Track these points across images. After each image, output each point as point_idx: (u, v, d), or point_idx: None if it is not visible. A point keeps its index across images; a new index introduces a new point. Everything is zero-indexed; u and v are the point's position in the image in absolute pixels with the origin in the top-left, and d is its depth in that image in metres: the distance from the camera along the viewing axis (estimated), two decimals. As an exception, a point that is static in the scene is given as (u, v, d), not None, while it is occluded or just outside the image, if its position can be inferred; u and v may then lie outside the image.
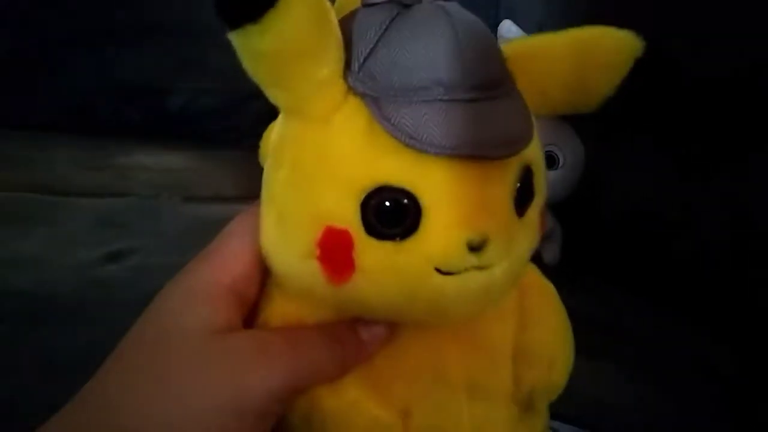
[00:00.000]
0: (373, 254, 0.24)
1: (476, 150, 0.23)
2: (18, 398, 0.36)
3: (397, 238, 0.23)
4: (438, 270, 0.24)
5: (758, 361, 0.49)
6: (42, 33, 1.16)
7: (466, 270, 0.24)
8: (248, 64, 0.23)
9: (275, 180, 0.26)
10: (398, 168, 0.23)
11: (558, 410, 0.39)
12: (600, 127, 0.66)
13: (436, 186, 0.23)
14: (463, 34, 0.23)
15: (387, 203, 0.23)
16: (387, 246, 0.24)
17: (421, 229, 0.23)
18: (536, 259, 0.66)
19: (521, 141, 0.24)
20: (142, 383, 0.25)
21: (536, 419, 0.31)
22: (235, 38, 0.22)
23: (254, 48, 0.22)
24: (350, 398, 0.27)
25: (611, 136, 0.67)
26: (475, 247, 0.23)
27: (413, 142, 0.22)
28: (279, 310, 0.27)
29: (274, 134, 0.26)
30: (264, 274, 0.28)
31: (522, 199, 0.25)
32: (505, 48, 0.26)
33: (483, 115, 0.23)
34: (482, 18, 0.25)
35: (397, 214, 0.23)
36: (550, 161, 0.64)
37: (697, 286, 0.57)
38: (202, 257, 0.28)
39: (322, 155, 0.24)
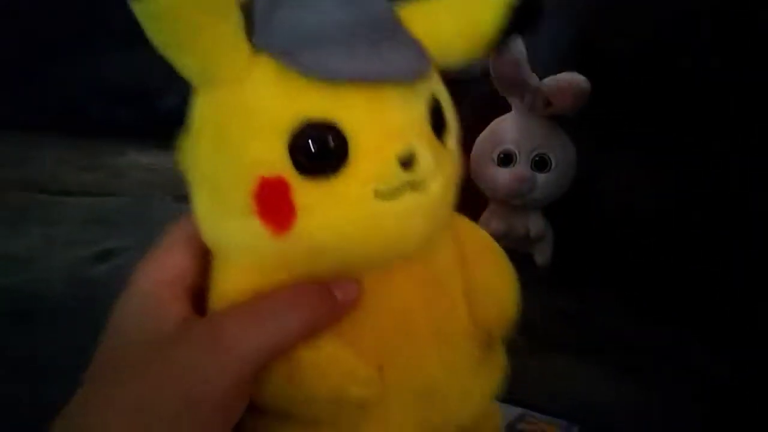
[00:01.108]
0: (310, 193, 0.25)
1: (385, 74, 0.25)
2: (7, 395, 0.36)
3: (329, 172, 0.24)
4: (377, 194, 0.25)
5: (744, 363, 0.49)
6: (34, 34, 1.16)
7: (403, 189, 0.25)
8: (152, 32, 0.23)
9: (200, 152, 0.26)
10: (318, 102, 0.24)
11: (548, 407, 0.40)
12: (591, 130, 0.66)
13: (357, 112, 0.25)
14: None
15: (313, 139, 0.24)
16: (322, 182, 0.24)
17: (351, 157, 0.25)
18: (528, 260, 0.67)
19: (423, 67, 0.26)
20: (105, 398, 0.25)
21: (495, 359, 0.32)
22: (135, 5, 0.22)
23: (151, 10, 0.23)
24: (328, 352, 0.27)
25: (602, 139, 0.68)
26: (405, 162, 0.25)
27: (323, 73, 0.24)
28: (231, 286, 0.28)
29: (192, 110, 0.27)
30: (207, 261, 0.29)
31: (437, 126, 0.27)
32: (401, 11, 0.28)
33: (385, 48, 0.25)
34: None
35: (325, 147, 0.24)
36: (542, 164, 0.64)
37: (685, 290, 0.57)
38: (145, 258, 0.29)
39: (241, 110, 0.25)
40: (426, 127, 0.27)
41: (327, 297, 0.27)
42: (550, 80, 0.64)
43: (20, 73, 1.15)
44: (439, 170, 0.27)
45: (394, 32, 0.27)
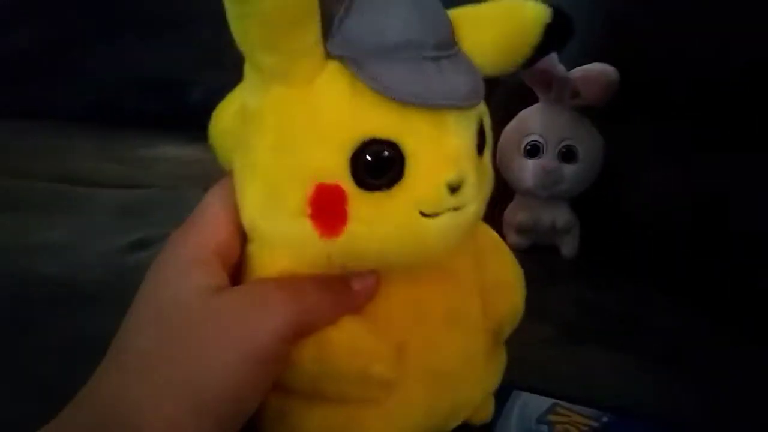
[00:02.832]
0: (362, 205, 0.26)
1: (451, 100, 0.26)
2: (48, 381, 0.37)
3: (384, 188, 0.26)
4: (422, 213, 0.26)
5: (765, 348, 0.49)
6: (66, 26, 1.17)
7: (446, 212, 0.27)
8: (244, 26, 0.24)
9: (259, 147, 0.27)
10: (383, 121, 0.25)
11: (578, 397, 0.40)
12: (618, 121, 0.66)
13: (419, 134, 0.26)
14: (419, 1, 0.27)
15: (375, 155, 0.26)
16: (375, 196, 0.26)
17: (405, 177, 0.26)
18: (554, 252, 0.67)
19: (481, 91, 0.28)
20: (152, 354, 0.26)
21: (500, 353, 0.35)
22: (230, 5, 0.24)
23: (255, 8, 0.23)
24: (354, 333, 0.29)
25: (629, 130, 0.67)
26: (454, 188, 0.26)
27: (397, 95, 0.25)
28: (271, 270, 0.29)
29: (249, 101, 0.28)
30: (242, 238, 0.30)
31: (480, 145, 0.29)
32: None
33: (448, 70, 0.26)
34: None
35: (384, 165, 0.26)
36: (569, 155, 0.64)
37: (715, 279, 0.56)
38: (184, 228, 0.30)
39: (309, 116, 0.26)
40: (474, 150, 0.28)
41: (347, 286, 0.29)
42: (578, 71, 0.63)
43: (52, 64, 1.17)
44: (479, 192, 0.28)
45: (455, 52, 0.28)
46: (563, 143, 0.64)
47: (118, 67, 1.15)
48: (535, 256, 0.66)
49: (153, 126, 1.07)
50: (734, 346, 0.51)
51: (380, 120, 0.25)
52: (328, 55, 0.26)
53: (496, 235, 0.35)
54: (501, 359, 0.35)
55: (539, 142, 0.64)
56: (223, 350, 0.26)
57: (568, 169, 0.64)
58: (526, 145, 0.65)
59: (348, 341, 0.29)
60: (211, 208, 0.30)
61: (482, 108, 0.29)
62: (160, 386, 0.25)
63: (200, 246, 0.29)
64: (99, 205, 0.77)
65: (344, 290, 0.29)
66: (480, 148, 0.29)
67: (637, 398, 0.43)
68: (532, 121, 0.66)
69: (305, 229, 0.26)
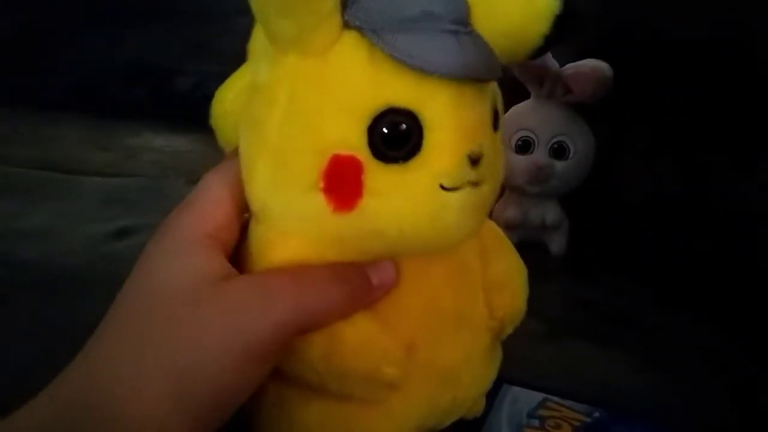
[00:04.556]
0: (380, 177, 0.25)
1: (471, 72, 0.26)
2: (26, 365, 0.37)
3: (401, 161, 0.25)
4: (441, 187, 0.26)
5: (763, 348, 0.49)
6: (51, 12, 1.16)
7: (464, 185, 0.26)
8: None
9: (269, 120, 0.26)
10: (402, 90, 0.25)
11: (568, 392, 0.40)
12: (611, 118, 0.66)
13: (439, 106, 0.25)
14: None
15: (393, 126, 0.25)
16: (393, 168, 0.25)
17: (424, 148, 0.25)
18: (543, 249, 0.67)
19: (498, 69, 0.27)
20: (143, 336, 0.25)
21: (498, 350, 0.35)
22: None
23: None
24: (366, 332, 0.28)
25: (622, 127, 0.67)
26: (474, 160, 0.26)
27: (418, 63, 0.24)
28: (278, 255, 0.28)
29: (258, 77, 0.27)
30: (242, 220, 0.29)
31: (494, 124, 0.28)
32: None
33: (468, 44, 0.26)
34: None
35: (402, 135, 0.25)
36: (561, 151, 0.63)
37: (702, 276, 0.57)
38: (182, 209, 0.29)
39: (325, 85, 0.25)
40: (490, 125, 0.28)
41: (365, 279, 0.27)
42: (570, 67, 0.63)
43: (36, 52, 1.15)
44: (496, 169, 0.28)
45: (472, 29, 0.27)
46: (555, 139, 0.64)
47: (103, 55, 1.14)
48: (524, 252, 0.65)
49: (138, 115, 1.06)
50: (723, 344, 0.51)
51: (399, 88, 0.25)
52: (345, 26, 0.25)
53: (500, 231, 0.35)
54: (498, 356, 0.35)
55: (531, 138, 0.64)
56: (213, 342, 0.25)
57: (560, 166, 0.64)
58: (517, 141, 0.65)
59: (360, 340, 0.28)
60: (209, 190, 0.29)
61: (496, 89, 0.29)
62: (142, 373, 0.24)
63: (196, 229, 0.28)
64: (82, 192, 0.76)
65: (360, 282, 0.27)
66: (494, 127, 0.28)
67: (626, 395, 0.43)
68: (523, 116, 0.66)
69: (318, 204, 0.26)
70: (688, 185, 0.61)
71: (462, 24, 0.26)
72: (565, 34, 0.29)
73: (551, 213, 0.67)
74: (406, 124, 0.25)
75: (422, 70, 0.24)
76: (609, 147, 0.66)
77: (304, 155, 0.25)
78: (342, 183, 0.25)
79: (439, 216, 0.26)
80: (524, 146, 0.64)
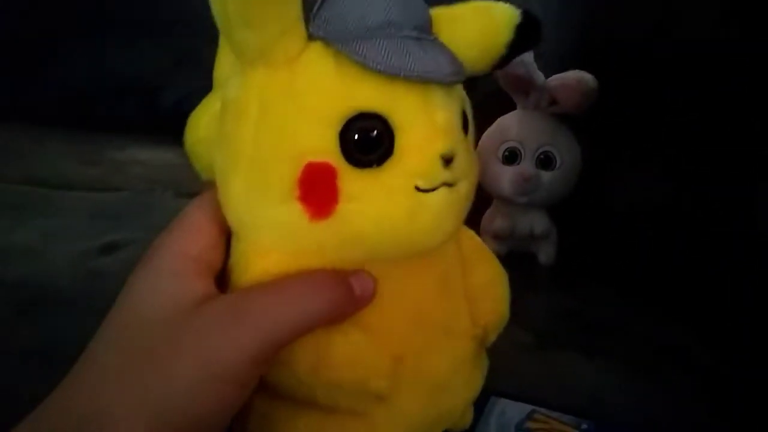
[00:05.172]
0: (354, 181, 0.25)
1: (436, 74, 0.26)
2: (12, 385, 0.36)
3: (374, 164, 0.26)
4: (417, 188, 0.26)
5: (748, 360, 0.49)
6: (36, 27, 1.15)
7: (440, 186, 0.26)
8: (219, 4, 0.24)
9: (240, 134, 0.26)
10: (370, 95, 0.25)
11: (556, 403, 0.40)
12: (596, 128, 0.66)
13: (408, 108, 0.26)
14: None
15: (363, 130, 0.25)
16: (367, 172, 0.26)
17: (396, 150, 0.26)
18: (532, 259, 0.67)
19: (463, 72, 0.28)
20: (121, 368, 0.25)
21: (483, 362, 0.34)
22: None
23: None
24: (354, 344, 0.28)
25: (608, 137, 0.67)
26: (447, 160, 0.26)
27: (383, 67, 0.25)
28: (258, 269, 0.28)
29: (227, 94, 0.27)
30: (227, 242, 0.29)
31: (464, 126, 0.29)
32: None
33: (431, 49, 0.27)
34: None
35: (374, 139, 0.26)
36: (548, 162, 0.64)
37: (690, 288, 0.57)
38: (165, 236, 0.29)
39: (295, 95, 0.26)
40: (460, 128, 0.28)
41: (347, 287, 0.27)
42: (555, 78, 0.63)
43: (22, 66, 1.15)
44: (470, 169, 0.28)
45: (434, 37, 0.28)
46: (541, 150, 0.64)
47: (89, 69, 1.14)
48: (512, 262, 0.65)
49: (124, 129, 1.05)
50: (710, 354, 0.51)
51: (367, 93, 0.25)
52: (310, 38, 0.26)
53: (480, 240, 0.35)
54: (484, 365, 0.35)
55: (517, 149, 0.64)
56: (185, 373, 0.25)
57: (546, 176, 0.64)
58: (504, 152, 0.65)
59: (348, 352, 0.28)
60: (194, 211, 0.29)
61: (464, 94, 0.30)
62: (122, 405, 0.24)
63: (180, 252, 0.28)
64: (69, 207, 0.76)
65: (340, 288, 0.27)
66: (464, 131, 0.29)
67: (614, 405, 0.43)
68: (510, 127, 0.66)
69: (295, 213, 0.26)
70: (674, 195, 0.61)
71: (424, 32, 0.27)
72: (527, 43, 0.30)
73: (539, 223, 0.67)
74: (376, 128, 0.25)
75: (388, 72, 0.25)
76: (595, 157, 0.66)
77: (278, 165, 0.26)
78: (317, 189, 0.25)
79: (416, 217, 0.26)
80: (511, 157, 0.64)
